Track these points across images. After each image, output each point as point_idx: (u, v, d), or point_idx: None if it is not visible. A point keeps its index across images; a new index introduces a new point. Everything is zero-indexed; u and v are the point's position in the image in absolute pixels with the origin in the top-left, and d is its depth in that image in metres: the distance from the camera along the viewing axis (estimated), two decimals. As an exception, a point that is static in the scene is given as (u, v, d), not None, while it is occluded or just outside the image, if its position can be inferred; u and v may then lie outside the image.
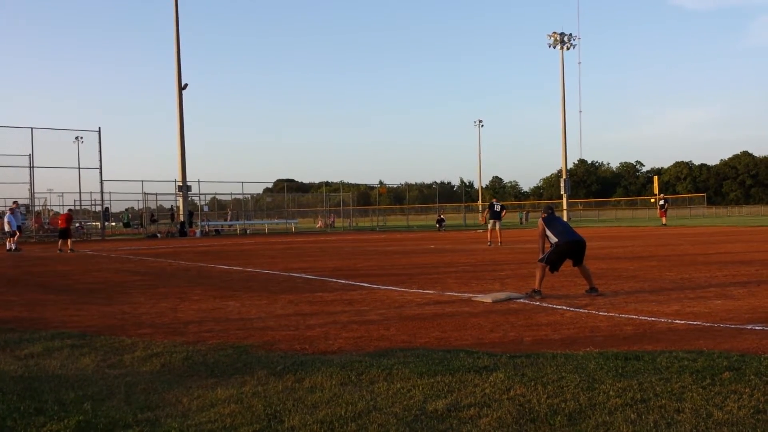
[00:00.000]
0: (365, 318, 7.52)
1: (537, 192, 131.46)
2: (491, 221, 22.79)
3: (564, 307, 7.93)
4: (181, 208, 40.74)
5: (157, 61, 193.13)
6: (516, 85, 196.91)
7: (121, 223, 45.08)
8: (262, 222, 47.88)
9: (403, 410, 3.92)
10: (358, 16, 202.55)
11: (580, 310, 7.70)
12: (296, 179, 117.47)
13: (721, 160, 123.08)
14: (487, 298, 8.67)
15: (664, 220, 41.69)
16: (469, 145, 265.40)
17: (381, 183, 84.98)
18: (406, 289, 10.05)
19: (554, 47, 55.10)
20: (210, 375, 4.93)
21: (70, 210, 28.03)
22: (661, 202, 43.81)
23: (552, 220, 9.14)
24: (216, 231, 42.21)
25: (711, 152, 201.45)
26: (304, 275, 12.73)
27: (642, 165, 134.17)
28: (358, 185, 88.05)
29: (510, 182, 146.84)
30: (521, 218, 62.30)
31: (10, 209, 26.65)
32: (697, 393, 4.09)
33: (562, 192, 56.06)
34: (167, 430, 3.69)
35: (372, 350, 5.68)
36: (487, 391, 4.25)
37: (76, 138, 38.08)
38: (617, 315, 7.32)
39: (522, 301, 8.57)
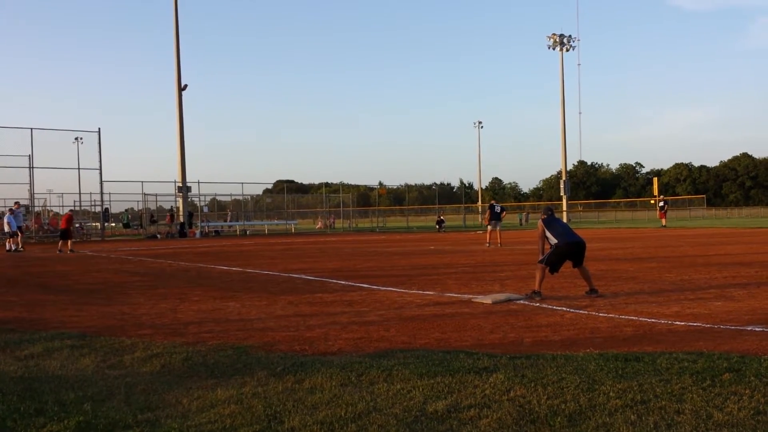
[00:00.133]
0: (365, 319, 7.52)
1: (537, 193, 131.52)
2: (492, 222, 22.80)
3: (564, 309, 7.93)
4: (180, 208, 40.74)
5: (157, 61, 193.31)
6: (516, 86, 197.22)
7: (120, 224, 45.08)
8: (261, 223, 47.87)
9: (403, 411, 3.92)
10: (357, 16, 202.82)
11: (580, 312, 7.69)
12: (296, 180, 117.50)
13: (721, 161, 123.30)
14: (487, 300, 8.67)
15: (663, 221, 41.70)
16: (468, 146, 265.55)
17: (381, 184, 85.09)
18: (406, 290, 10.05)
19: (554, 49, 55.11)
20: (210, 376, 4.93)
21: (70, 211, 28.03)
22: (661, 204, 43.82)
23: (552, 222, 9.15)
24: (216, 232, 42.21)
25: (710, 154, 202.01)
26: (303, 276, 12.73)
27: (642, 166, 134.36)
28: (357, 186, 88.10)
29: (510, 183, 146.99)
30: (521, 219, 62.32)
31: (10, 210, 26.66)
32: (697, 394, 4.09)
33: (562, 193, 56.06)
34: (167, 430, 3.69)
35: (372, 351, 5.68)
36: (487, 392, 4.25)
37: (76, 138, 38.10)
38: (617, 316, 7.32)
39: (522, 302, 8.57)
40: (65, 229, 24.41)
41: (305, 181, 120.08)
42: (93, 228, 40.84)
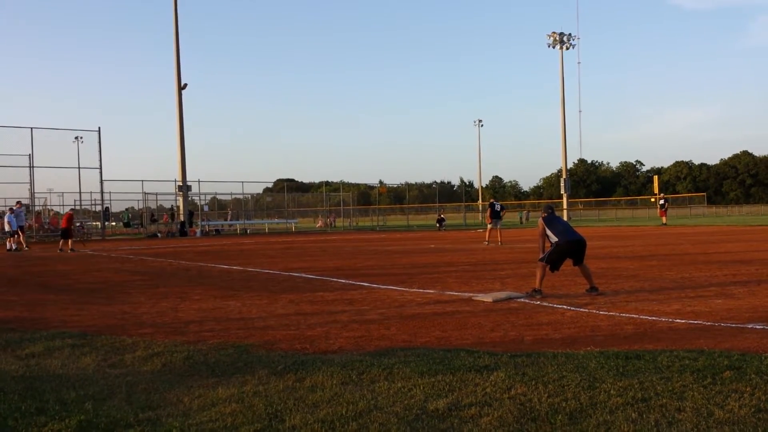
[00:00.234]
0: (366, 317, 7.53)
1: (537, 191, 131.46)
2: (492, 221, 22.80)
3: (564, 307, 7.93)
4: (181, 207, 40.75)
5: (157, 61, 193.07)
6: (516, 84, 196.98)
7: (121, 223, 45.09)
8: (262, 222, 47.89)
9: (404, 409, 3.92)
10: (357, 16, 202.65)
11: (581, 310, 7.70)
12: (296, 179, 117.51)
13: (721, 159, 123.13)
14: (488, 298, 8.68)
15: (664, 219, 41.69)
16: (469, 144, 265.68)
17: (381, 183, 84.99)
18: (407, 289, 10.05)
19: (554, 47, 55.11)
20: (211, 374, 4.93)
21: (71, 210, 28.05)
22: (661, 202, 43.82)
23: (552, 220, 9.15)
24: (216, 231, 42.22)
25: (711, 152, 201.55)
26: (304, 275, 12.74)
27: (642, 164, 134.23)
28: (358, 185, 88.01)
29: (510, 182, 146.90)
30: (521, 218, 62.32)
31: (10, 209, 26.67)
32: (698, 392, 4.09)
33: (562, 191, 56.07)
34: (168, 429, 3.69)
35: (373, 350, 5.68)
36: (488, 391, 4.25)
37: (76, 138, 38.11)
38: (618, 314, 7.32)
39: (522, 300, 8.57)
40: (66, 228, 24.43)
41: (305, 180, 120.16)
42: (93, 227, 40.86)
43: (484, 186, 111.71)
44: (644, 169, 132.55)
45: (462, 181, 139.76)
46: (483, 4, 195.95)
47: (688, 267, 12.61)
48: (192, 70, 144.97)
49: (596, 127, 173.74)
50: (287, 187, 65.66)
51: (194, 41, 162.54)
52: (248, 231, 43.57)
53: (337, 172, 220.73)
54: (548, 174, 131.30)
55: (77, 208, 35.97)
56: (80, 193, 36.52)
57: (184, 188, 40.23)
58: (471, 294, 9.19)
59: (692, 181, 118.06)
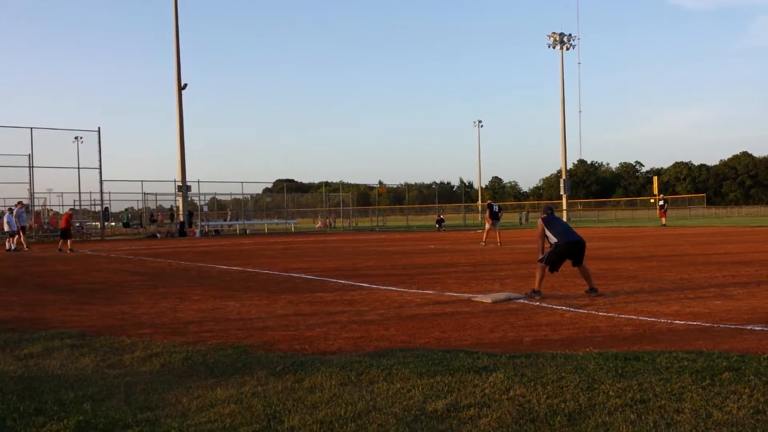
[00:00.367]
0: (365, 318, 7.52)
1: (536, 192, 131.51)
2: (492, 220, 22.79)
3: (564, 308, 7.93)
4: (180, 208, 40.74)
5: (157, 61, 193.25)
6: (515, 85, 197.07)
7: (120, 223, 45.09)
8: (261, 222, 47.87)
9: (403, 410, 3.92)
10: (357, 16, 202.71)
11: (580, 311, 7.70)
12: (296, 179, 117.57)
13: (721, 160, 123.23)
14: (487, 299, 8.67)
15: (663, 220, 41.70)
16: (468, 145, 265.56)
17: (380, 183, 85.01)
18: (406, 290, 10.05)
19: (554, 47, 55.10)
20: (210, 375, 4.93)
21: (70, 210, 28.05)
22: (661, 203, 43.81)
23: (551, 221, 9.15)
24: (215, 231, 42.20)
25: (710, 153, 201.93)
26: (303, 275, 12.73)
27: (641, 165, 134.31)
28: (357, 185, 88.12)
29: (510, 182, 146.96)
30: (521, 218, 62.33)
31: (9, 209, 26.66)
32: (696, 393, 4.09)
33: (562, 192, 56.05)
34: (167, 430, 3.69)
35: (372, 350, 5.68)
36: (486, 392, 4.25)
37: (76, 138, 38.12)
38: (617, 315, 7.32)
39: (522, 301, 8.57)
40: (65, 228, 24.43)
41: (305, 180, 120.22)
42: (93, 227, 40.85)
43: (483, 187, 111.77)
44: (644, 169, 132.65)
45: (461, 181, 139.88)
46: (483, 4, 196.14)
47: (687, 268, 12.61)
48: (192, 70, 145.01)
49: (596, 128, 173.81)
50: (287, 187, 65.68)
51: (194, 41, 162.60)
52: (248, 231, 43.56)
53: (336, 172, 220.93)
54: (548, 174, 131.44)
55: (76, 208, 35.95)
56: (80, 193, 36.52)
57: (184, 188, 40.22)
58: (470, 295, 9.19)
59: (692, 182, 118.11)
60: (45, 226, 35.94)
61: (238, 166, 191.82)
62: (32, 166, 34.05)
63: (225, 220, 48.04)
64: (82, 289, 11.29)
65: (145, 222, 41.49)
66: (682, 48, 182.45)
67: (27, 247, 25.43)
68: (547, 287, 9.33)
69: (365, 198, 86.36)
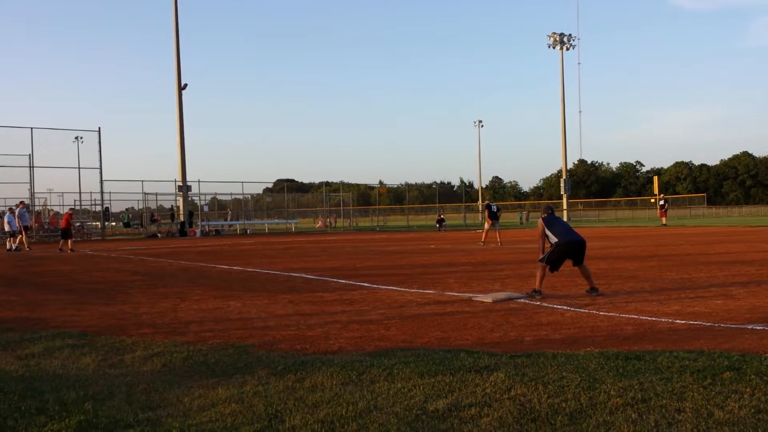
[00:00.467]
0: (366, 318, 7.53)
1: (537, 192, 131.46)
2: (492, 220, 22.80)
3: (564, 307, 7.93)
4: (181, 208, 40.76)
5: (157, 61, 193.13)
6: (516, 85, 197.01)
7: (121, 223, 45.10)
8: (262, 222, 47.89)
9: (404, 410, 3.92)
10: (357, 16, 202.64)
11: (581, 310, 7.70)
12: (296, 179, 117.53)
13: (721, 160, 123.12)
14: (488, 298, 8.67)
15: (664, 220, 41.69)
16: (469, 145, 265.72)
17: (381, 183, 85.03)
18: (407, 289, 10.05)
19: (554, 47, 55.12)
20: (211, 375, 4.93)
21: (70, 210, 28.07)
22: (661, 202, 43.82)
23: (552, 220, 9.15)
24: (216, 231, 42.21)
25: (711, 152, 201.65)
26: (304, 275, 12.73)
27: (642, 165, 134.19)
28: (358, 185, 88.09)
29: (510, 182, 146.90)
30: (521, 218, 62.32)
31: (10, 209, 26.68)
32: (697, 393, 4.09)
33: (562, 192, 56.07)
34: (168, 429, 3.69)
35: (372, 350, 5.68)
36: (487, 391, 4.25)
37: (76, 138, 38.11)
38: (618, 315, 7.32)
39: (522, 300, 8.57)
40: (65, 228, 24.44)
41: (305, 180, 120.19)
42: (93, 227, 40.87)
43: (484, 186, 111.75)
44: (644, 169, 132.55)
45: (462, 181, 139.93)
46: (483, 5, 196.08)
47: (688, 267, 12.61)
48: (192, 70, 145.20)
49: (596, 128, 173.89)
50: (287, 187, 65.70)
51: (194, 41, 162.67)
52: (248, 231, 43.57)
53: (337, 172, 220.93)
54: (548, 174, 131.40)
55: (77, 208, 35.97)
56: (80, 193, 36.56)
57: (184, 188, 40.23)
58: (471, 294, 9.19)
59: (692, 182, 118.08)
60: (45, 226, 35.95)
61: (238, 165, 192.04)
62: (33, 166, 34.08)
63: (225, 220, 48.06)
64: (82, 289, 11.30)
65: (145, 222, 41.51)
66: (682, 48, 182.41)
67: (28, 247, 25.45)
68: (548, 287, 9.33)
69: (366, 198, 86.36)
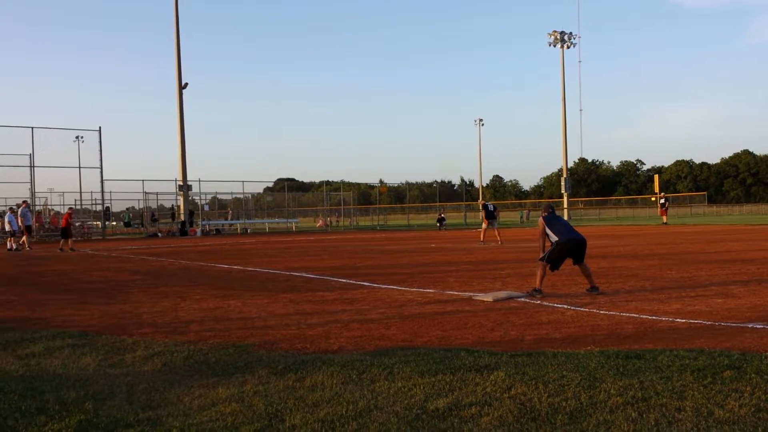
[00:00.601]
0: (366, 317, 7.53)
1: (537, 191, 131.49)
2: (489, 220, 22.78)
3: (565, 306, 7.93)
4: (181, 207, 40.76)
5: (158, 60, 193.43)
6: (516, 83, 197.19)
7: (121, 223, 45.11)
8: (262, 221, 47.90)
9: (404, 409, 3.92)
10: (358, 15, 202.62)
11: (581, 309, 7.69)
12: (297, 178, 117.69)
13: (722, 158, 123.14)
14: (488, 297, 8.67)
15: (664, 218, 41.69)
16: (469, 143, 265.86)
17: (381, 182, 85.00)
18: (407, 288, 10.04)
19: (554, 46, 55.07)
20: (211, 374, 4.93)
21: (70, 209, 28.08)
22: (662, 201, 43.80)
23: (552, 219, 9.14)
24: (216, 230, 42.23)
25: (712, 151, 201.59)
26: (304, 274, 12.73)
27: (643, 164, 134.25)
28: (358, 184, 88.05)
29: (510, 181, 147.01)
30: (522, 217, 62.31)
31: (10, 209, 26.68)
32: (698, 391, 4.09)
33: (563, 191, 56.04)
34: (168, 429, 3.69)
35: (373, 349, 5.68)
36: (488, 390, 4.25)
37: (77, 137, 38.13)
38: (618, 314, 7.32)
39: (523, 299, 8.56)
40: (65, 227, 24.44)
41: (306, 180, 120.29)
42: (94, 227, 40.88)
43: (484, 185, 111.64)
44: (645, 168, 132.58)
45: (462, 180, 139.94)
46: (484, 4, 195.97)
47: (688, 266, 12.61)
48: (193, 69, 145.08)
49: (597, 126, 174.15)
50: (288, 186, 65.69)
51: (195, 40, 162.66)
52: (249, 230, 43.57)
53: (337, 171, 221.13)
54: (549, 173, 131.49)
55: (75, 207, 35.97)
56: (81, 192, 36.60)
57: (185, 188, 40.23)
58: (471, 293, 9.19)
59: (693, 181, 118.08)
60: (46, 226, 35.97)
61: (239, 165, 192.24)
62: (33, 166, 34.10)
63: (226, 220, 48.07)
64: (83, 289, 11.30)
65: (146, 221, 41.52)
66: (683, 46, 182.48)
67: (29, 246, 25.46)
68: (548, 286, 9.33)
69: (366, 197, 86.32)
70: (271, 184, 77.79)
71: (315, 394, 4.29)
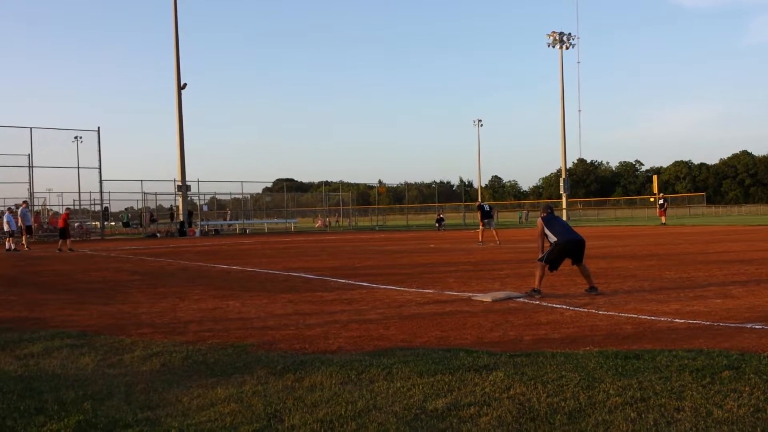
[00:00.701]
0: (365, 317, 7.52)
1: (536, 191, 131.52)
2: (485, 221, 22.80)
3: (564, 306, 7.93)
4: (180, 207, 40.75)
5: (157, 60, 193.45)
6: (515, 84, 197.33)
7: (120, 223, 45.09)
8: (261, 221, 47.90)
9: (403, 409, 3.92)
10: (357, 15, 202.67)
11: (580, 309, 7.69)
12: (295, 179, 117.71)
13: (721, 159, 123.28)
14: (487, 298, 8.67)
15: (663, 219, 41.72)
16: (468, 144, 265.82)
17: (380, 182, 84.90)
18: (406, 289, 10.04)
19: (553, 47, 55.12)
20: (210, 374, 4.92)
21: (67, 209, 28.06)
22: (661, 202, 43.82)
23: (551, 220, 9.14)
24: (215, 231, 42.20)
25: (710, 151, 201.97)
26: (303, 275, 12.73)
27: (641, 164, 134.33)
28: (357, 185, 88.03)
29: (509, 181, 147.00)
30: (521, 217, 62.34)
31: (9, 209, 26.67)
32: (696, 392, 4.09)
33: (562, 191, 56.06)
34: (167, 429, 3.69)
35: (372, 349, 5.68)
36: (487, 390, 4.25)
37: (76, 137, 38.15)
38: (617, 314, 7.32)
39: (522, 300, 8.57)
40: (63, 228, 24.41)
41: (305, 180, 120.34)
42: (93, 227, 40.86)
43: (483, 186, 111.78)
44: (643, 168, 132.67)
45: (461, 180, 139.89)
46: (484, 4, 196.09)
47: (687, 267, 12.61)
48: (192, 69, 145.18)
49: (596, 127, 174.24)
50: (286, 186, 65.72)
51: (194, 40, 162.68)
52: (247, 231, 43.56)
53: (336, 171, 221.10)
54: (547, 174, 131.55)
55: (72, 207, 35.97)
56: (79, 192, 36.63)
57: (184, 188, 40.21)
58: (470, 294, 9.19)
59: (691, 181, 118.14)
60: (45, 226, 35.95)
61: (237, 165, 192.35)
62: (32, 166, 34.08)
63: (225, 220, 48.06)
64: (81, 289, 11.29)
65: (144, 221, 41.50)
66: (682, 47, 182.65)
67: (27, 247, 25.44)
68: (547, 286, 9.33)
69: (365, 197, 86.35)
70: (269, 185, 77.74)
71: (314, 394, 4.29)
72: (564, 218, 40.79)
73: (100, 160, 35.72)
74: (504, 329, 6.61)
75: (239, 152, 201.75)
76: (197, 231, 39.17)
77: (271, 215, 51.86)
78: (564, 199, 56.61)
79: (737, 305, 7.76)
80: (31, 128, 33.86)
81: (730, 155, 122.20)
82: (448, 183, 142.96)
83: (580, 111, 75.63)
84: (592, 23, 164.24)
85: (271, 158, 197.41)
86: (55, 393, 4.47)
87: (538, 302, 8.33)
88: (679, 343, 5.68)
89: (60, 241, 24.48)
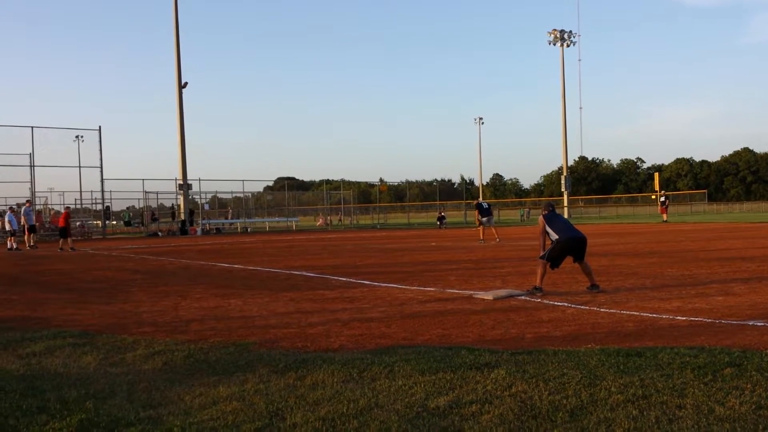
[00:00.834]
0: (366, 315, 7.53)
1: (538, 189, 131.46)
2: (484, 219, 22.80)
3: (565, 304, 7.93)
4: (182, 206, 40.77)
5: (157, 59, 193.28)
6: (516, 82, 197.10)
7: (121, 222, 45.14)
8: (262, 220, 47.95)
9: (405, 407, 3.92)
10: (358, 14, 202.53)
11: (582, 307, 7.69)
12: (297, 177, 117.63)
13: (722, 156, 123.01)
14: (489, 295, 8.67)
15: (665, 216, 41.68)
16: (469, 142, 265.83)
17: (381, 181, 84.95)
18: (408, 287, 10.05)
19: (554, 44, 55.08)
20: (212, 373, 4.93)
21: (67, 208, 28.08)
22: (662, 199, 43.77)
23: (553, 217, 9.14)
24: (217, 229, 42.23)
25: (712, 149, 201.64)
26: (305, 273, 12.74)
27: (643, 162, 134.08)
28: (358, 183, 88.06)
29: (511, 179, 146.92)
30: (522, 215, 62.33)
31: (10, 208, 26.70)
32: (698, 389, 4.09)
33: (563, 189, 56.07)
34: (169, 427, 3.70)
35: (373, 348, 5.68)
36: (488, 388, 4.25)
37: (77, 137, 38.18)
38: (618, 311, 7.32)
39: (523, 298, 8.57)
40: (64, 227, 24.44)
41: (306, 178, 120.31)
42: (94, 226, 40.90)
43: (484, 184, 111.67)
44: (645, 166, 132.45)
45: (463, 178, 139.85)
46: (484, 4, 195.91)
47: (688, 264, 12.61)
48: (192, 68, 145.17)
49: (597, 124, 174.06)
50: (288, 185, 65.67)
51: (194, 39, 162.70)
52: (249, 229, 43.59)
53: (337, 170, 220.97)
54: (549, 171, 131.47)
55: (77, 206, 36.00)
56: (81, 192, 36.66)
57: (185, 187, 40.24)
58: (472, 292, 9.19)
59: (693, 178, 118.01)
60: (46, 225, 35.98)
61: (239, 164, 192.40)
62: (33, 165, 34.12)
63: (226, 219, 48.09)
64: (83, 288, 11.30)
65: (146, 220, 41.53)
66: (683, 44, 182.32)
67: (34, 245, 25.49)
68: (549, 284, 9.33)
69: (366, 196, 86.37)
70: (271, 183, 77.83)
71: (316, 392, 4.29)
72: (565, 216, 40.79)
73: (101, 159, 35.79)
74: (505, 327, 6.61)
75: (240, 151, 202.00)
76: (199, 230, 39.20)
77: (272, 214, 51.91)
78: (565, 197, 56.60)
79: (739, 302, 7.75)
80: (32, 128, 33.92)
81: (731, 152, 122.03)
82: (450, 181, 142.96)
83: (581, 108, 75.12)
84: (592, 21, 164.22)
85: (272, 157, 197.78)
86: (57, 392, 4.48)
87: (539, 300, 8.33)
88: (681, 340, 5.68)
89: (61, 241, 24.51)
